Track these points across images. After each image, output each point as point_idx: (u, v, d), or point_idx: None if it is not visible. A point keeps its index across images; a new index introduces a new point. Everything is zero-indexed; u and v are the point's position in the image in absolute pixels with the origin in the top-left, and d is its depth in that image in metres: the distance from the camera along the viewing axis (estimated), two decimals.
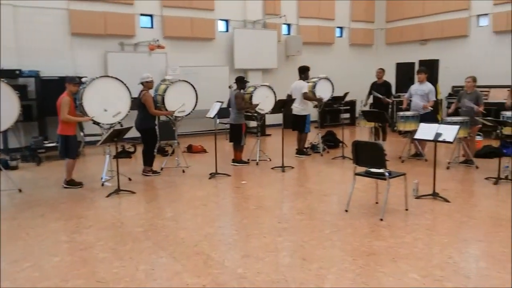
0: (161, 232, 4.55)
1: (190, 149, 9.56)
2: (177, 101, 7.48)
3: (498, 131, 6.40)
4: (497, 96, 10.01)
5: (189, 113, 7.77)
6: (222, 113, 8.26)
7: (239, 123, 7.90)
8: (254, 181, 6.91)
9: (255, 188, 6.42)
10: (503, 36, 12.19)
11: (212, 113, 7.30)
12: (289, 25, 14.20)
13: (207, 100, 8.54)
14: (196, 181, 6.86)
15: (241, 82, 7.99)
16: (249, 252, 3.95)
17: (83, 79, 6.76)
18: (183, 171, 7.51)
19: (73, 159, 6.48)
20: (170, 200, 5.85)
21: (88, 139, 9.45)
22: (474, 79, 7.54)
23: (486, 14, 12.63)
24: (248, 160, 8.17)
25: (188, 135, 11.40)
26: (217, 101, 7.52)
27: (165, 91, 7.49)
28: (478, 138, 8.54)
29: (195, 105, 7.77)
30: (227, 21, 12.93)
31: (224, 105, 7.88)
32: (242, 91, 8.00)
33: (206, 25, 12.28)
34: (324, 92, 8.78)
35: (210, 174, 7.11)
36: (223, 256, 3.89)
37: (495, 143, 8.06)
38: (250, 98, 8.02)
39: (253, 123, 9.15)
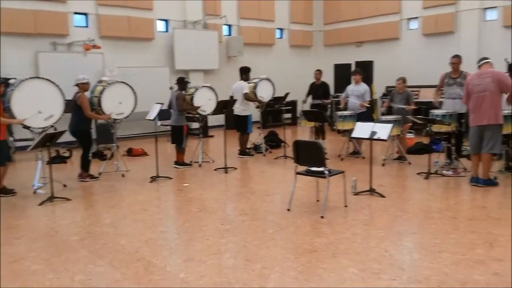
0: (99, 239, 4.37)
1: (130, 153, 9.28)
2: (115, 103, 7.24)
3: (427, 128, 6.77)
4: (427, 96, 10.59)
5: (128, 115, 7.54)
6: (163, 114, 8.12)
7: (181, 124, 7.78)
8: (196, 183, 6.84)
9: (197, 190, 6.35)
10: (432, 38, 12.97)
11: (152, 115, 7.14)
12: (230, 26, 14.20)
13: (147, 102, 8.35)
14: (136, 185, 6.67)
15: (182, 83, 7.88)
16: (192, 256, 3.90)
17: (11, 81, 6.36)
18: (123, 175, 7.27)
19: (4, 166, 6.07)
20: (109, 206, 5.63)
21: (18, 144, 8.89)
22: (404, 80, 7.94)
23: (416, 18, 13.37)
24: (191, 162, 8.07)
25: (128, 138, 11.07)
26: (157, 103, 7.37)
27: (101, 92, 7.22)
28: (410, 135, 9.02)
29: (134, 107, 7.56)
30: (166, 21, 12.70)
31: (165, 107, 7.72)
32: (183, 92, 7.88)
33: (144, 24, 11.98)
34: (265, 93, 8.87)
35: (151, 177, 6.94)
36: (164, 261, 3.80)
37: (425, 140, 8.52)
38: (192, 99, 7.92)
39: (195, 125, 9.05)
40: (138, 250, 4.06)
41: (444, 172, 6.81)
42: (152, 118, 7.11)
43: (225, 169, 7.45)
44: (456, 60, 7.01)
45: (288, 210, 5.16)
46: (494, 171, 6.50)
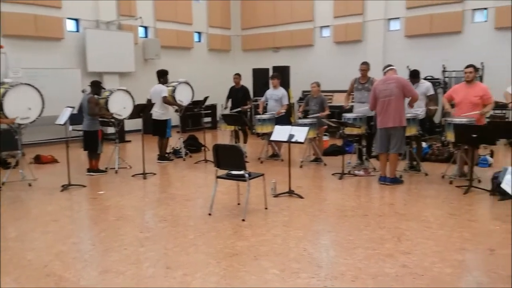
0: (3, 255, 3.99)
1: (38, 160, 8.63)
2: (19, 107, 6.69)
3: (340, 131, 7.13)
4: (339, 100, 11.15)
5: (35, 120, 7.01)
6: (75, 119, 7.66)
7: (94, 129, 7.40)
8: (113, 190, 6.54)
9: (114, 198, 6.07)
10: (342, 46, 13.72)
11: (62, 119, 6.71)
12: (146, 28, 13.83)
13: (57, 105, 7.83)
14: (45, 195, 6.21)
15: (96, 86, 7.51)
16: (108, 267, 3.71)
17: None
18: (30, 185, 6.74)
19: None
20: (14, 218, 5.18)
21: None
22: (318, 84, 8.28)
23: (327, 26, 14.05)
24: (106, 168, 7.71)
25: (36, 144, 10.27)
26: (68, 106, 6.94)
27: (3, 95, 6.64)
28: (325, 138, 9.43)
29: (42, 110, 7.05)
30: (77, 20, 12.03)
31: (76, 111, 7.30)
32: (96, 96, 7.51)
33: (52, 23, 11.24)
34: (184, 96, 8.75)
35: (63, 186, 6.51)
36: (78, 275, 3.58)
37: (339, 142, 8.98)
38: (106, 103, 7.58)
39: (110, 129, 8.67)
40: (47, 264, 3.78)
41: (356, 172, 7.21)
42: (62, 122, 6.68)
43: (144, 175, 7.22)
44: (365, 67, 7.47)
45: (209, 214, 5.13)
46: (400, 170, 7.01)
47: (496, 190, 5.49)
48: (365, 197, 6.09)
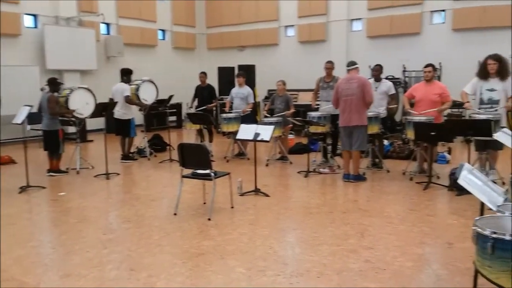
0: None
1: None
2: None
3: (305, 129, 7.22)
4: (305, 99, 11.30)
5: None
6: (34, 118, 7.40)
7: (55, 129, 7.17)
8: (74, 191, 6.36)
9: (76, 200, 5.90)
10: (307, 45, 13.88)
11: (20, 118, 6.45)
12: (108, 25, 13.51)
13: (14, 104, 7.54)
14: (2, 197, 5.96)
15: (53, 84, 7.26)
16: (70, 271, 3.60)
17: None
18: None
19: None
20: None
21: None
22: (284, 83, 8.34)
23: (292, 26, 14.18)
24: (67, 169, 7.48)
25: None
26: (26, 105, 6.68)
27: None
28: (291, 136, 9.52)
29: None
30: (35, 16, 11.61)
31: (35, 109, 7.05)
32: (56, 93, 7.27)
33: (9, 19, 10.79)
34: (148, 95, 8.61)
35: (21, 187, 6.27)
36: (38, 279, 3.46)
37: (304, 140, 9.08)
38: (66, 101, 7.35)
39: (71, 129, 8.43)
40: (6, 269, 3.63)
41: (321, 170, 7.32)
42: (19, 122, 6.42)
43: (106, 175, 7.06)
44: (330, 65, 7.60)
45: (175, 214, 5.08)
46: (363, 167, 7.17)
47: (454, 186, 5.70)
48: (330, 194, 6.20)
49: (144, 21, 14.31)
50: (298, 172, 7.23)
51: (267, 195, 5.83)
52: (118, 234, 4.56)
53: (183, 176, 5.14)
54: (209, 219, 4.86)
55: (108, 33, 13.55)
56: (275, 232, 4.53)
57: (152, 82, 8.80)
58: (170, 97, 9.66)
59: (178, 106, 13.61)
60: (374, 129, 6.97)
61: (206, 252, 3.96)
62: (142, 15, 14.21)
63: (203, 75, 9.38)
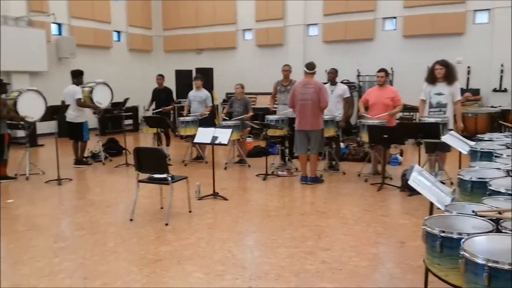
0: None
1: None
2: None
3: (264, 133, 7.27)
4: (263, 102, 11.36)
5: None
6: None
7: (0, 133, 6.82)
8: (23, 198, 6.08)
9: (25, 207, 5.64)
10: (265, 49, 13.99)
11: None
12: (60, 25, 13.04)
13: None
14: None
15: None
16: (18, 282, 3.44)
17: None
18: None
19: None
20: None
21: None
22: (242, 86, 8.36)
23: (250, 29, 14.25)
24: (16, 175, 7.14)
25: None
26: None
27: None
28: (249, 139, 9.55)
29: None
30: None
31: None
32: (3, 96, 6.93)
33: None
34: (102, 98, 8.38)
35: None
36: None
37: (263, 144, 9.13)
38: (15, 104, 7.03)
39: (20, 133, 8.06)
40: None
41: (279, 172, 7.39)
42: None
43: (58, 180, 6.80)
44: (287, 69, 7.69)
45: (131, 220, 4.96)
46: (320, 169, 7.30)
47: (405, 187, 5.91)
48: (288, 197, 6.26)
49: (98, 22, 13.92)
50: (257, 175, 7.26)
51: (225, 199, 5.81)
52: (70, 242, 4.40)
53: (140, 181, 5.04)
54: (166, 224, 4.79)
55: (60, 34, 13.08)
56: (234, 236, 4.52)
57: (106, 84, 8.57)
58: (126, 100, 9.45)
59: (135, 109, 13.33)
60: (331, 132, 7.11)
61: (163, 258, 3.90)
62: (95, 16, 13.82)
63: (160, 77, 9.24)
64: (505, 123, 7.41)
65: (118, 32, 14.95)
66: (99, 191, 6.62)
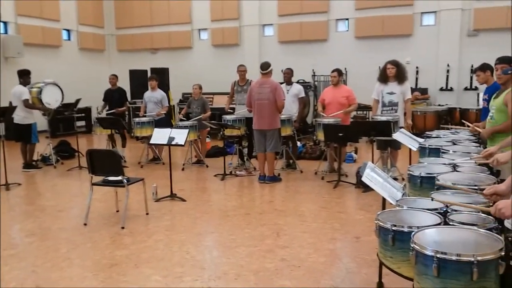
0: None
1: None
2: None
3: (221, 133, 7.25)
4: (220, 102, 11.32)
5: None
6: None
7: None
8: None
9: None
10: (221, 49, 13.94)
11: None
12: (5, 23, 12.41)
13: None
14: None
15: None
16: None
17: None
18: None
19: None
20: None
21: None
22: (200, 87, 8.30)
23: (205, 29, 14.17)
24: None
25: None
26: None
27: None
28: (207, 139, 9.50)
29: None
30: None
31: None
32: None
33: None
34: (52, 99, 8.06)
35: None
36: None
37: (221, 144, 9.11)
38: None
39: None
40: None
41: (238, 172, 7.40)
42: None
43: (6, 185, 6.47)
44: (243, 69, 7.71)
45: (85, 224, 4.81)
46: (277, 168, 7.38)
47: (360, 183, 6.08)
48: (246, 196, 6.28)
49: (46, 20, 13.36)
50: (215, 175, 7.24)
51: (183, 200, 5.76)
52: (20, 249, 4.21)
53: (93, 184, 4.90)
54: (122, 228, 4.68)
55: (6, 32, 12.44)
56: (192, 237, 4.48)
57: (56, 85, 8.27)
58: (77, 100, 9.14)
59: (87, 110, 12.92)
60: (287, 131, 7.19)
61: (120, 262, 3.81)
62: (43, 14, 13.25)
63: (114, 77, 9.01)
64: (452, 126, 7.43)
65: (68, 30, 14.41)
66: (50, 195, 6.37)
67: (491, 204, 2.32)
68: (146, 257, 3.92)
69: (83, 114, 12.70)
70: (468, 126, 4.84)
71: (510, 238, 2.05)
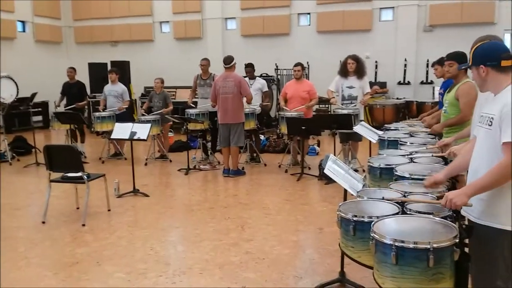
0: None
1: None
2: None
3: (184, 127, 7.19)
4: (183, 96, 11.19)
5: None
6: None
7: None
8: None
9: None
10: (183, 42, 13.74)
11: None
12: None
13: None
14: None
15: None
16: None
17: None
18: None
19: None
20: None
21: None
22: (162, 81, 8.19)
23: (167, 22, 13.93)
24: None
25: None
26: None
27: None
28: (170, 134, 9.39)
29: None
30: None
31: None
32: None
33: None
34: (6, 93, 7.72)
35: None
36: None
37: (184, 138, 9.03)
38: None
39: None
40: None
41: (202, 166, 7.37)
42: None
43: None
44: (205, 63, 7.65)
45: (43, 222, 4.67)
46: (241, 162, 7.40)
47: (323, 175, 6.19)
48: (210, 190, 6.27)
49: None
50: (179, 170, 7.18)
51: (146, 195, 5.68)
52: None
53: (52, 181, 4.76)
54: (83, 225, 4.58)
55: None
56: (156, 232, 4.44)
57: (10, 78, 7.92)
58: (34, 94, 8.82)
59: (44, 104, 12.46)
60: (251, 125, 7.22)
61: (81, 260, 3.73)
62: None
63: (72, 70, 8.72)
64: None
65: (23, 22, 13.79)
66: (6, 194, 6.11)
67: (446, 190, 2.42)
68: (108, 254, 3.85)
69: (40, 109, 12.24)
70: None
71: (464, 226, 2.16)
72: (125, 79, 10.66)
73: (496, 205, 2.09)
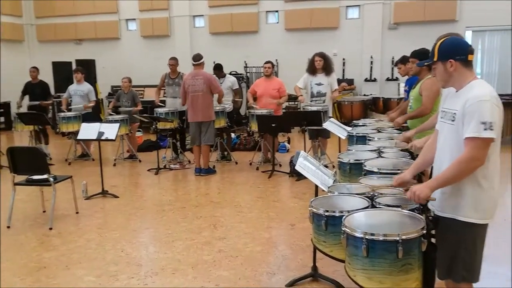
0: None
1: None
2: None
3: (154, 126, 7.10)
4: (151, 95, 11.00)
5: None
6: None
7: None
8: None
9: None
10: (150, 40, 13.53)
11: None
12: None
13: None
14: None
15: None
16: None
17: None
18: None
19: None
20: None
21: None
22: (129, 80, 8.04)
23: (133, 19, 13.69)
24: None
25: None
26: None
27: None
28: (139, 133, 9.24)
29: None
30: None
31: None
32: None
33: None
34: None
35: None
36: None
37: (153, 137, 8.91)
38: None
39: None
40: None
41: (172, 166, 7.29)
42: None
43: None
44: (173, 62, 7.56)
45: (8, 227, 4.51)
46: (212, 160, 7.37)
47: (293, 172, 6.26)
48: (181, 189, 6.21)
49: None
50: (148, 170, 7.08)
51: (116, 196, 5.58)
52: None
53: (16, 184, 4.60)
54: (50, 228, 4.45)
55: None
56: (126, 234, 4.37)
57: None
58: None
59: (6, 105, 12.03)
60: (221, 123, 7.20)
61: (49, 265, 3.63)
62: None
63: (34, 70, 8.45)
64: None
65: None
66: None
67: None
68: (77, 257, 3.76)
69: (1, 110, 11.82)
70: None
71: (430, 218, 2.22)
72: (91, 78, 10.43)
73: (458, 198, 2.16)
